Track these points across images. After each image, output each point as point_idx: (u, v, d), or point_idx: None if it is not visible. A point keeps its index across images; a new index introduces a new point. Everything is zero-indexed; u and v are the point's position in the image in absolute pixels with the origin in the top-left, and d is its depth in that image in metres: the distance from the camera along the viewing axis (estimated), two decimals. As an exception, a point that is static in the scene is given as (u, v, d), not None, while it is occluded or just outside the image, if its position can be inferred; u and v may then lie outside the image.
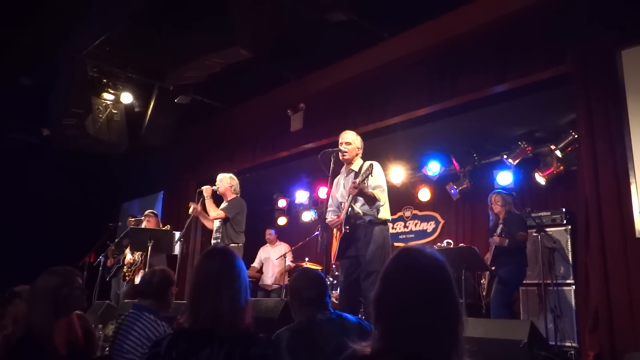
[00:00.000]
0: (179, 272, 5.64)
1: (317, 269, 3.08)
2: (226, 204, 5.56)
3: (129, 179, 10.17)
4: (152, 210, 7.05)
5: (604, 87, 4.35)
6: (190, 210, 5.49)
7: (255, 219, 6.96)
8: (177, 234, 5.95)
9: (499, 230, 5.31)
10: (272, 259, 8.18)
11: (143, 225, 6.75)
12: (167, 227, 6.58)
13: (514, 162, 6.73)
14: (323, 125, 6.72)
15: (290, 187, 9.57)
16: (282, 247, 8.28)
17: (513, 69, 4.96)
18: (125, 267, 6.82)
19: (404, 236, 8.19)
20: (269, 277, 8.17)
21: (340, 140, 4.49)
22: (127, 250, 6.87)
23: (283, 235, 8.79)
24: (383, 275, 1.52)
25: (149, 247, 5.79)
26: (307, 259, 7.39)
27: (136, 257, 6.74)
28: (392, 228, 8.11)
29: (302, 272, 2.71)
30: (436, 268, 1.49)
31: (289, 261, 7.94)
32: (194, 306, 2.04)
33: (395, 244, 7.33)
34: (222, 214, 5.39)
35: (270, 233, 8.46)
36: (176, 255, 6.19)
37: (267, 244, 8.49)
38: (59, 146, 7.95)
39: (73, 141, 7.50)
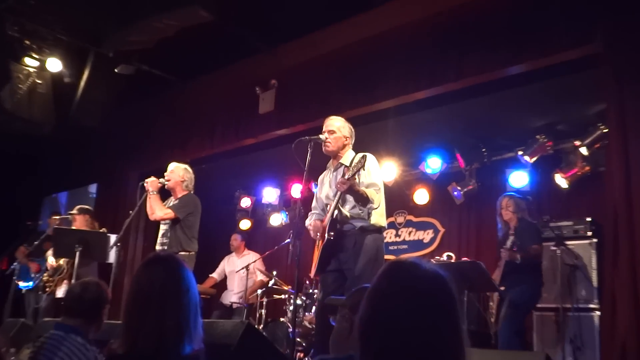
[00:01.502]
0: (114, 285, 5.58)
1: None
2: (176, 201, 5.52)
3: (54, 167, 10.05)
4: (82, 206, 6.97)
5: (640, 72, 4.42)
6: (148, 184, 5.40)
7: (210, 222, 6.93)
8: (113, 238, 5.88)
9: (509, 242, 5.36)
10: (239, 272, 8.15)
11: (71, 226, 6.66)
12: (104, 229, 6.50)
13: (530, 159, 6.81)
14: (299, 108, 6.72)
15: (256, 183, 9.55)
16: (251, 257, 8.26)
17: (531, 47, 5.01)
18: (45, 275, 6.71)
19: (395, 247, 8.25)
20: (234, 294, 8.14)
21: (323, 128, 4.51)
22: (49, 253, 6.77)
23: (247, 241, 8.75)
24: (371, 294, 1.50)
25: (77, 253, 5.71)
26: (274, 273, 7.38)
27: (62, 263, 6.65)
28: (381, 237, 8.14)
29: None
30: (437, 285, 1.47)
31: (260, 275, 7.91)
32: (131, 327, 2.02)
33: (385, 257, 7.35)
34: (170, 213, 5.35)
35: (236, 239, 8.44)
36: (111, 263, 6.11)
37: (233, 253, 8.46)
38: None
39: (-18, 117, 7.39)
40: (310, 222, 4.52)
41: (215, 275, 8.43)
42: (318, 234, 4.38)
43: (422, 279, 1.47)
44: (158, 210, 5.39)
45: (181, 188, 5.58)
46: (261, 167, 8.80)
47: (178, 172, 5.61)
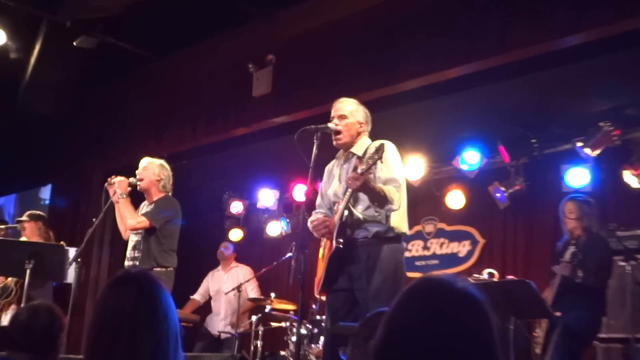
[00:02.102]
0: (73, 311, 5.60)
1: None
2: (151, 206, 5.54)
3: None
4: (34, 212, 7.00)
5: None
6: (115, 185, 5.43)
7: (192, 232, 6.95)
8: (73, 252, 5.90)
9: (568, 254, 5.36)
10: (226, 291, 8.18)
11: (20, 236, 6.68)
12: (62, 243, 6.53)
13: (592, 152, 6.79)
14: (302, 89, 6.74)
15: (249, 183, 9.57)
16: (241, 272, 8.29)
17: (592, 13, 4.98)
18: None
19: (424, 262, 8.25)
20: (221, 320, 8.16)
21: (332, 114, 4.51)
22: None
23: (238, 255, 8.79)
24: (389, 319, 1.51)
25: (28, 271, 5.73)
26: (273, 295, 7.39)
27: (9, 282, 6.69)
28: (407, 249, 8.14)
29: None
30: (471, 310, 1.48)
31: (252, 293, 7.94)
32: (95, 363, 2.02)
33: (409, 274, 7.34)
34: (145, 222, 5.38)
35: (227, 248, 8.48)
36: (69, 284, 6.14)
37: (219, 267, 8.48)
38: None
39: None
40: (315, 217, 4.53)
41: (198, 296, 8.45)
42: (323, 233, 4.40)
43: (452, 302, 1.48)
44: (129, 217, 5.40)
45: (157, 189, 5.60)
46: (256, 163, 8.80)
47: (152, 169, 5.63)
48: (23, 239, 6.70)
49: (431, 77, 5.93)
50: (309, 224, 4.51)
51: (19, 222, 6.85)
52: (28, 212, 6.97)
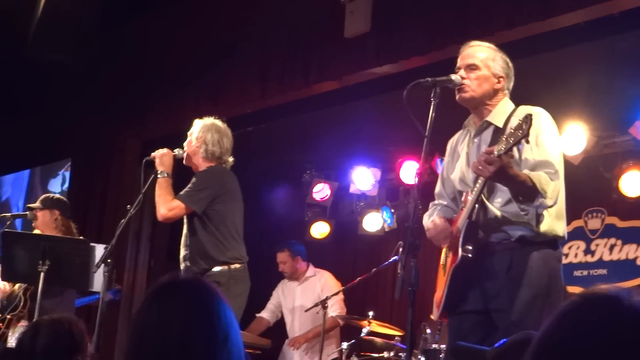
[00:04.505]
0: (101, 330, 5.71)
1: None
2: (189, 184, 5.66)
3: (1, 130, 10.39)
4: (50, 196, 7.18)
5: None
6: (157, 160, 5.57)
7: (260, 226, 6.98)
8: (100, 250, 6.02)
9: None
10: (301, 306, 8.27)
11: (31, 229, 6.87)
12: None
13: None
14: (413, 27, 6.70)
15: (339, 158, 9.61)
16: (319, 281, 8.33)
17: None
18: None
19: (586, 272, 8.19)
20: (295, 347, 8.26)
21: (458, 62, 4.47)
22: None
23: (319, 258, 8.82)
24: (541, 346, 1.54)
25: (42, 275, 5.89)
26: (371, 314, 7.40)
27: (16, 291, 6.87)
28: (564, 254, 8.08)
29: None
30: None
31: (332, 310, 7.98)
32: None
33: (569, 288, 7.27)
34: (178, 207, 5.49)
35: (285, 259, 8.46)
36: (97, 293, 6.29)
37: (287, 279, 8.57)
38: None
39: None
40: (431, 219, 4.50)
41: (267, 314, 8.55)
42: (441, 243, 4.39)
43: (626, 323, 1.47)
44: (161, 203, 5.54)
45: (200, 158, 5.72)
46: (348, 131, 8.80)
47: (200, 130, 5.74)
48: (36, 232, 6.83)
49: (601, 6, 5.81)
50: (425, 226, 4.47)
51: (30, 209, 6.96)
52: (42, 197, 7.11)
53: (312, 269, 8.57)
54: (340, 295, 8.15)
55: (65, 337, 3.15)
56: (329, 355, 7.89)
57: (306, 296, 8.31)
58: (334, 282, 8.37)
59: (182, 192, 5.58)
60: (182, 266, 5.57)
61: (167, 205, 5.52)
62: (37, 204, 6.97)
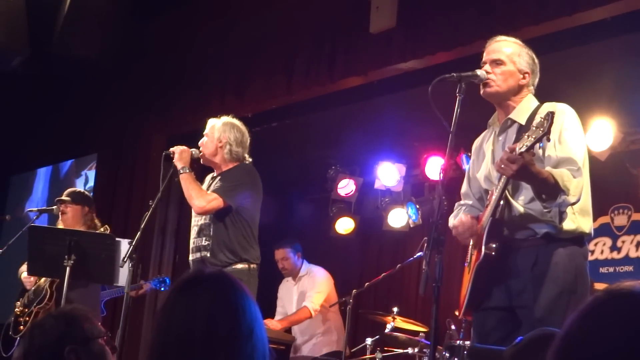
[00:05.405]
0: (126, 325, 5.71)
1: None
2: (220, 180, 5.67)
3: (26, 126, 10.42)
4: (77, 191, 7.21)
5: None
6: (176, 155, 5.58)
7: (284, 222, 6.96)
8: (125, 245, 6.04)
9: None
10: (293, 305, 8.35)
11: (57, 223, 6.88)
12: (105, 227, 6.71)
13: None
14: (439, 22, 6.69)
15: (364, 154, 9.61)
16: (309, 279, 8.34)
17: None
18: (18, 304, 7.00)
19: (612, 268, 8.16)
20: (306, 343, 8.34)
21: (484, 57, 4.47)
22: (22, 268, 7.03)
23: (343, 254, 8.78)
24: (564, 345, 1.54)
25: (68, 268, 5.91)
26: (395, 310, 7.40)
27: (42, 284, 6.91)
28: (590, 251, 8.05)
29: None
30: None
31: (308, 302, 8.07)
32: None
33: (596, 285, 7.23)
34: (216, 200, 5.50)
35: (285, 255, 8.46)
36: (121, 287, 6.31)
37: (287, 276, 8.66)
38: None
39: None
40: (458, 218, 4.49)
41: (280, 318, 8.57)
42: (469, 238, 4.38)
43: None
44: (195, 197, 5.54)
45: (223, 158, 5.73)
46: (373, 127, 8.80)
47: (215, 131, 5.75)
48: (60, 226, 6.85)
49: (628, 2, 5.80)
50: (451, 226, 4.47)
51: (60, 202, 6.93)
52: (70, 191, 7.12)
53: (305, 267, 8.58)
54: (320, 288, 8.15)
55: (55, 329, 2.91)
56: (327, 345, 7.95)
57: (301, 298, 8.34)
58: (320, 277, 8.40)
59: (218, 187, 5.59)
60: (195, 255, 5.57)
61: (204, 198, 5.52)
62: (65, 197, 6.95)
